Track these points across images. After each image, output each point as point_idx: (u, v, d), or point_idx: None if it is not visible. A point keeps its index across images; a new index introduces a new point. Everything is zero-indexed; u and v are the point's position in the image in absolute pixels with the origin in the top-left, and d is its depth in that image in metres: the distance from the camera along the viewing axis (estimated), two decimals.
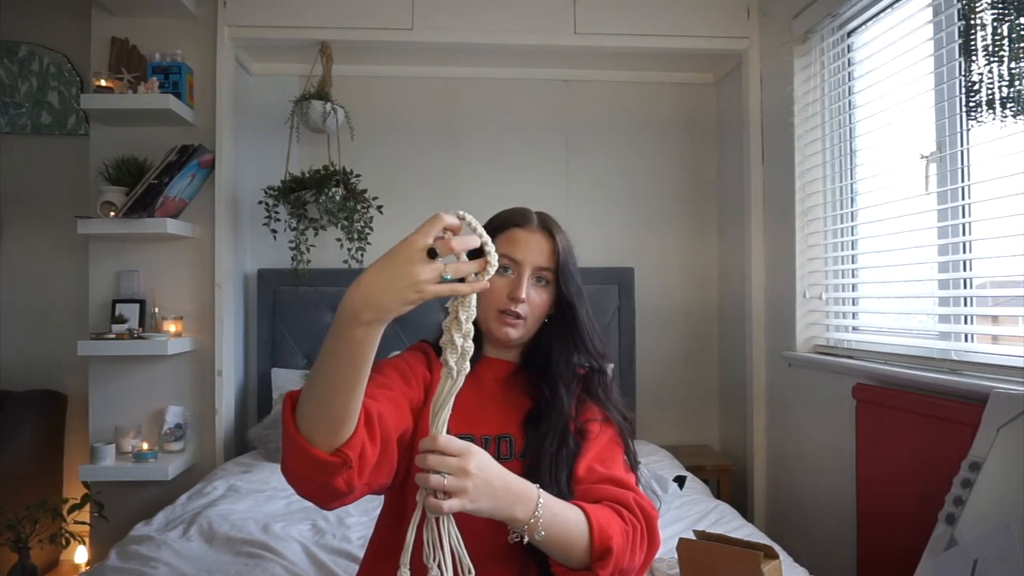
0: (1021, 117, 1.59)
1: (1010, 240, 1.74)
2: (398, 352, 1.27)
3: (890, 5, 2.18)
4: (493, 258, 0.91)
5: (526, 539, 0.99)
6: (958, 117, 1.87)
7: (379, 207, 2.82)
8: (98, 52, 2.72)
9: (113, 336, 2.56)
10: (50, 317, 3.01)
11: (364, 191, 2.83)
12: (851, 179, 2.41)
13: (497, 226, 1.24)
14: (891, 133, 2.20)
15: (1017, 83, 1.57)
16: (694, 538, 1.27)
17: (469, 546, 0.94)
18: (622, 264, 3.10)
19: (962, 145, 1.87)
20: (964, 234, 1.89)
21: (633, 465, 1.20)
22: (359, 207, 2.80)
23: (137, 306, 2.68)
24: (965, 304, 1.92)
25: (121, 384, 2.71)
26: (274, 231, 2.79)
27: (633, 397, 3.00)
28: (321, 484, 0.92)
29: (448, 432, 0.94)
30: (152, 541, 1.80)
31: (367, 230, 2.81)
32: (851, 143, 2.40)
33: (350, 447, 0.91)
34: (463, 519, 0.95)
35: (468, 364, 0.93)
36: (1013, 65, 1.58)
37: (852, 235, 2.39)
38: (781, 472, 2.71)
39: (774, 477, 2.76)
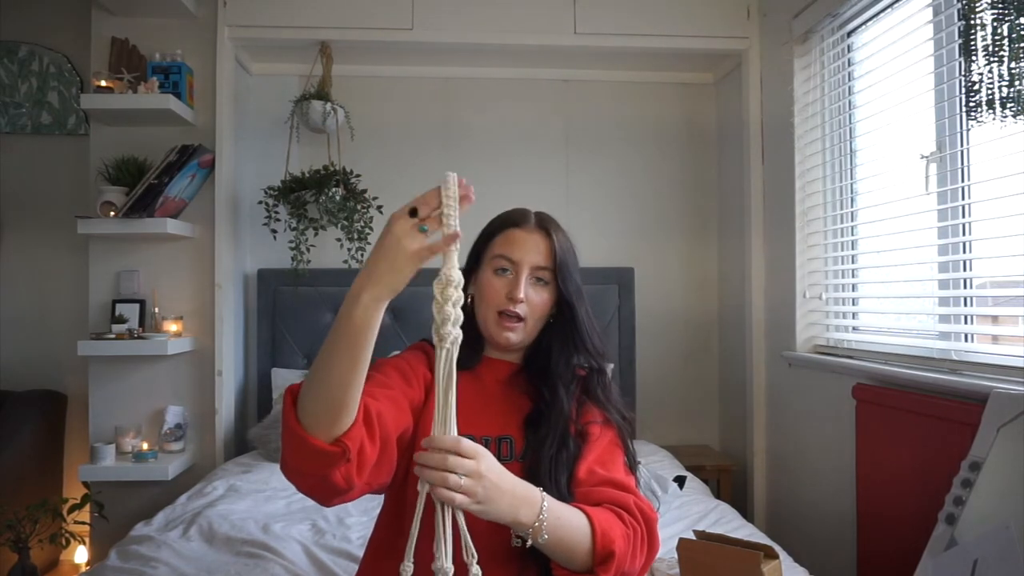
0: (1021, 117, 1.59)
1: (1010, 240, 1.74)
2: (398, 352, 1.27)
3: (890, 5, 2.18)
4: (448, 219, 0.90)
5: (528, 543, 0.99)
6: (958, 117, 1.87)
7: (379, 207, 2.82)
8: (98, 52, 2.72)
9: (113, 336, 2.56)
10: (50, 317, 3.01)
11: (364, 191, 2.83)
12: (851, 179, 2.40)
13: (496, 227, 1.25)
14: (891, 133, 2.20)
15: (1017, 83, 1.57)
16: (694, 538, 1.27)
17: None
18: (622, 264, 3.10)
19: (962, 145, 1.87)
20: (964, 234, 1.89)
21: (633, 466, 1.20)
22: (359, 207, 2.80)
23: (137, 306, 2.68)
24: (965, 304, 1.92)
25: (121, 384, 2.71)
26: (274, 231, 2.79)
27: (633, 397, 2.99)
28: (320, 478, 0.92)
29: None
30: (152, 541, 1.80)
31: (367, 230, 2.81)
32: (851, 143, 2.40)
33: (349, 439, 0.91)
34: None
35: (459, 331, 0.92)
36: (1013, 65, 1.58)
37: (852, 235, 2.39)
38: (781, 472, 2.71)
39: (774, 477, 2.76)
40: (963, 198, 1.88)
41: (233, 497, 2.16)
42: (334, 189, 2.73)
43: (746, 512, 2.68)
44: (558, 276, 1.20)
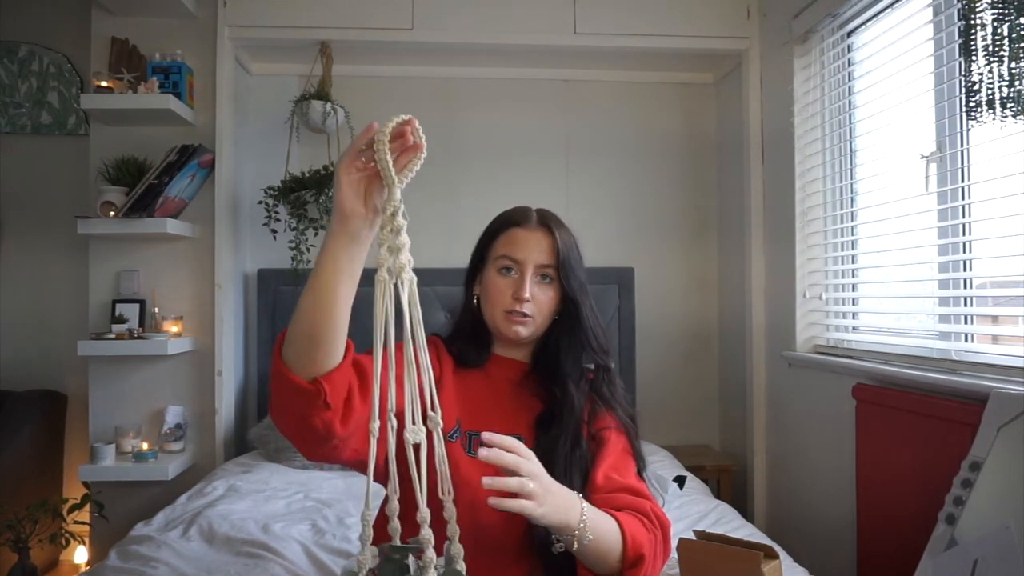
0: (1021, 117, 1.59)
1: (1010, 240, 1.74)
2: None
3: (890, 5, 2.18)
4: (380, 145, 0.86)
5: (569, 546, 0.97)
6: (958, 117, 1.87)
7: None
8: (98, 52, 2.72)
9: (113, 336, 2.56)
10: (50, 317, 3.01)
11: None
12: (851, 179, 2.40)
13: (498, 226, 1.25)
14: (891, 133, 2.20)
15: (1017, 83, 1.57)
16: (694, 538, 1.27)
17: (480, 546, 0.93)
18: (622, 264, 3.09)
19: (962, 145, 1.87)
20: (964, 234, 1.89)
21: (641, 467, 1.20)
22: None
23: (137, 306, 2.67)
24: (965, 304, 1.92)
25: (121, 384, 2.71)
26: (274, 231, 2.79)
27: (633, 397, 2.97)
28: (299, 416, 0.92)
29: (466, 430, 0.91)
30: (152, 541, 1.80)
31: None
32: (851, 143, 2.40)
33: (328, 380, 0.90)
34: (473, 518, 0.94)
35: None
36: (1013, 65, 1.58)
37: (852, 235, 2.39)
38: (781, 472, 2.71)
39: (774, 477, 2.76)
40: (963, 198, 1.88)
41: (233, 497, 2.16)
42: (334, 189, 2.73)
43: (746, 512, 2.68)
44: (561, 273, 1.20)
